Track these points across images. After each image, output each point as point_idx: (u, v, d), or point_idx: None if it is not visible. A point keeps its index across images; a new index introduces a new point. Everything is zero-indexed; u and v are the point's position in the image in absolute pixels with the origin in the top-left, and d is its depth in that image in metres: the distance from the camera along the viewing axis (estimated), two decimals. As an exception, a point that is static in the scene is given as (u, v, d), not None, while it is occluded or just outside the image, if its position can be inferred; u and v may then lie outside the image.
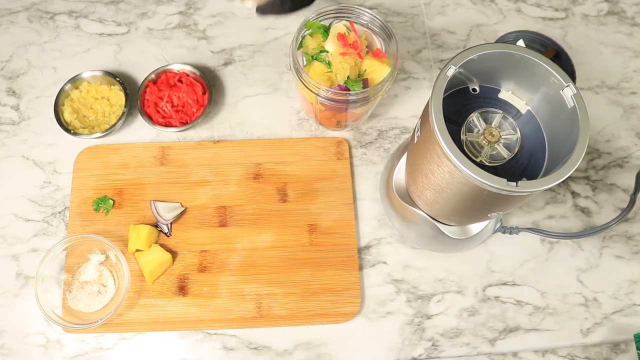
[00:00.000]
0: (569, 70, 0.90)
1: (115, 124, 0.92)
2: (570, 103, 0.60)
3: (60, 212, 0.90)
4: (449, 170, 0.60)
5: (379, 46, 0.85)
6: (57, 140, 0.94)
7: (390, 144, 0.96)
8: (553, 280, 0.89)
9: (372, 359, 0.84)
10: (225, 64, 1.01)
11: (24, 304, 0.85)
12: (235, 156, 0.93)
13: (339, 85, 0.81)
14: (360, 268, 0.88)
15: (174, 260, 0.87)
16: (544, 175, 0.64)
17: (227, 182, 0.92)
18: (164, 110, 0.94)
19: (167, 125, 0.93)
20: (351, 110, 0.86)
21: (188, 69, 0.97)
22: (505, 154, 0.65)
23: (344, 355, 0.84)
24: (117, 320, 0.83)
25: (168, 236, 0.88)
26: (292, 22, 1.04)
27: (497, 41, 0.96)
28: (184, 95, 0.94)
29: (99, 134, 0.92)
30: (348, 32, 0.82)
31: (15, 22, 1.03)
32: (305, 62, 0.84)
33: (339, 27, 0.83)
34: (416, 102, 0.99)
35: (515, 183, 0.56)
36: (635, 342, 0.84)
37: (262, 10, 0.80)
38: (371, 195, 0.93)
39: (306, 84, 0.80)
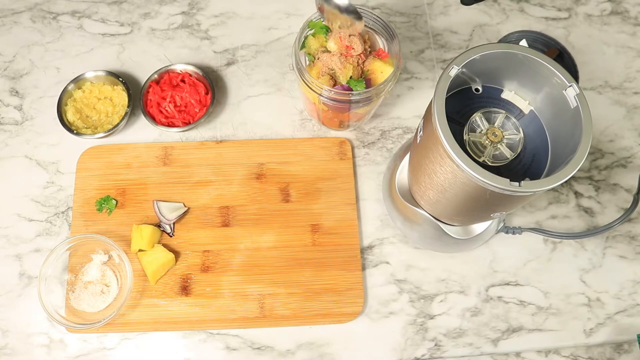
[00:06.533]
0: (572, 70, 0.90)
1: (118, 124, 0.92)
2: (573, 103, 0.60)
3: (63, 212, 0.90)
4: (452, 170, 0.60)
5: (381, 46, 0.85)
6: (60, 140, 0.95)
7: (393, 144, 0.96)
8: (556, 281, 0.88)
9: (375, 359, 0.84)
10: (228, 64, 1.01)
11: (27, 304, 0.85)
12: (237, 156, 0.93)
13: (342, 85, 0.81)
14: (363, 268, 0.88)
15: (176, 260, 0.87)
16: (547, 175, 0.63)
17: (230, 182, 0.92)
18: (166, 111, 0.94)
19: (170, 125, 0.93)
20: (354, 111, 0.86)
21: (191, 69, 0.97)
22: (508, 154, 0.64)
23: (346, 356, 0.84)
24: (120, 320, 0.83)
25: (171, 236, 0.88)
26: (294, 22, 1.04)
27: (500, 41, 0.96)
28: (187, 96, 0.95)
29: (101, 134, 0.92)
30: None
31: (19, 22, 1.04)
32: (307, 62, 0.84)
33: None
34: (419, 102, 0.99)
35: (518, 183, 0.56)
36: (639, 342, 0.84)
37: None
38: (374, 195, 0.93)
39: (309, 84, 0.80)
